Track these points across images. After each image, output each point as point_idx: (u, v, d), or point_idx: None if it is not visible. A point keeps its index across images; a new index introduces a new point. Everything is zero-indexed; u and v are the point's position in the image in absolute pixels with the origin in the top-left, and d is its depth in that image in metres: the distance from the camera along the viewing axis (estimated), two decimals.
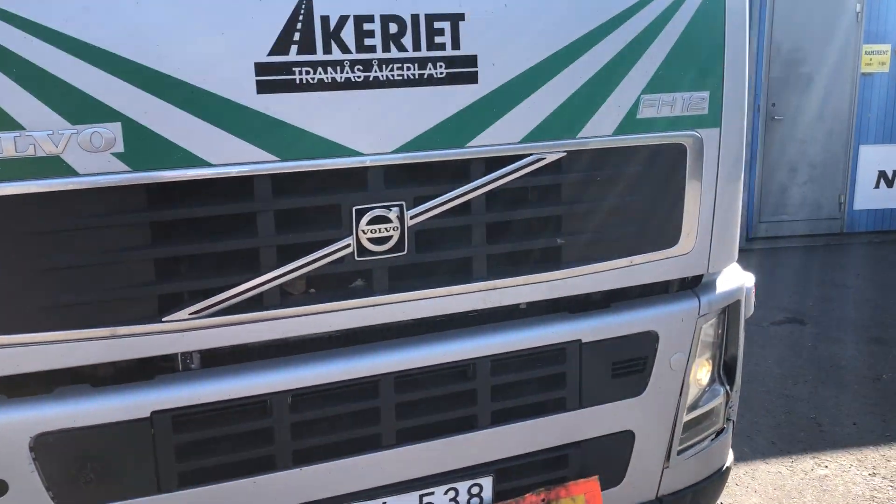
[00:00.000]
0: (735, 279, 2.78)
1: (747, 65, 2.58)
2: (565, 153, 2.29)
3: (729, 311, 2.77)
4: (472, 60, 2.14)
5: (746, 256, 8.39)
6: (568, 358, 2.44)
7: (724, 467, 2.92)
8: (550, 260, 2.37)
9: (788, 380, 5.19)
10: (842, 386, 5.09)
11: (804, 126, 9.26)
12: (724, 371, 2.84)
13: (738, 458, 4.10)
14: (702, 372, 2.74)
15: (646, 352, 2.55)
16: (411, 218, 2.14)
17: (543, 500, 2.49)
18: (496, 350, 2.36)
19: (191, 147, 1.91)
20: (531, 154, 2.24)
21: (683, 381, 2.64)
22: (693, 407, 2.73)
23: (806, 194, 9.42)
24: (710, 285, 2.69)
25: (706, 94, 2.46)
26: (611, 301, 2.55)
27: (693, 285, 2.67)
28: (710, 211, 2.54)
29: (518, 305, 2.45)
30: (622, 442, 2.60)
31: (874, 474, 3.93)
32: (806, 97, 9.19)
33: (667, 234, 2.49)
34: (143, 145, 1.84)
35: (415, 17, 2.06)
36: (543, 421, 2.47)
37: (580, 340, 2.45)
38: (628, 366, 2.55)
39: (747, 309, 2.84)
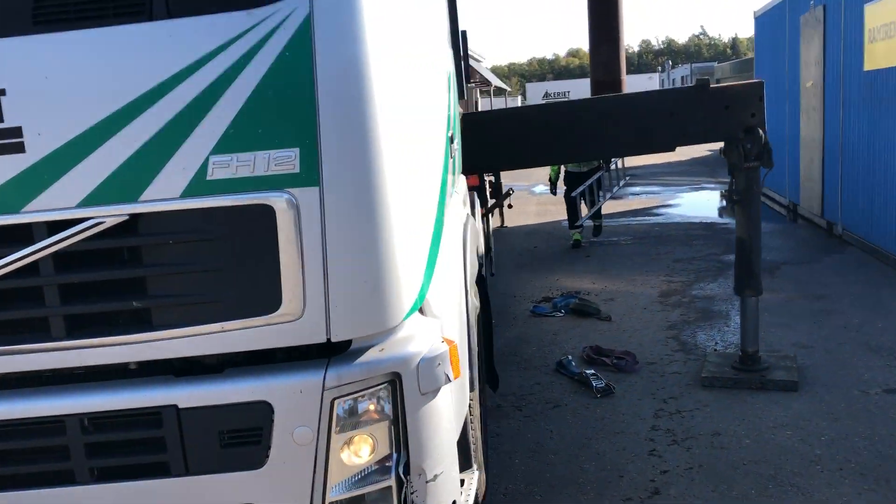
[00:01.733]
0: (404, 347, 2.48)
1: (372, 114, 2.32)
2: (128, 216, 2.29)
3: (398, 385, 2.48)
4: (17, 131, 2.25)
5: None
6: (165, 423, 2.41)
7: None
8: (133, 323, 2.37)
9: (818, 465, 4.18)
10: (885, 483, 3.99)
11: None
12: (406, 450, 2.53)
13: None
14: (358, 450, 2.48)
15: (259, 423, 2.41)
16: None
17: None
18: (84, 409, 2.41)
19: None
20: (90, 218, 2.28)
21: (317, 457, 2.43)
22: (347, 487, 2.49)
23: None
24: (355, 354, 2.44)
25: (294, 152, 2.28)
26: (226, 366, 2.46)
27: (337, 352, 2.45)
28: (320, 275, 2.33)
29: (128, 365, 2.48)
30: None
31: None
32: None
33: (264, 299, 2.34)
34: None
35: None
36: (149, 484, 2.45)
37: (176, 406, 2.40)
38: (240, 436, 2.42)
39: (428, 382, 2.50)
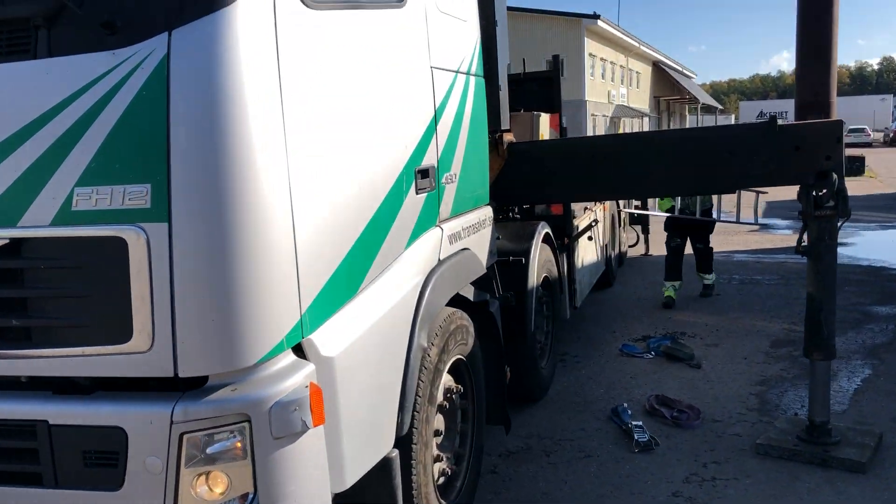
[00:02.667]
0: (258, 389, 2.46)
1: (230, 152, 2.34)
2: (9, 240, 2.46)
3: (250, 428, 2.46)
4: None
5: None
6: (38, 436, 2.54)
7: None
8: (10, 339, 2.53)
9: None
10: None
11: None
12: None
13: None
14: (214, 485, 2.49)
15: (115, 447, 2.49)
16: None
17: None
18: None
19: None
20: None
21: (166, 488, 2.47)
22: None
23: None
24: (209, 391, 2.45)
25: (146, 188, 2.34)
26: (98, 389, 2.56)
27: (195, 385, 2.48)
28: (169, 309, 2.37)
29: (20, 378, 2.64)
30: None
31: None
32: None
33: (118, 329, 2.42)
34: None
35: None
36: (25, 492, 2.60)
37: (47, 421, 2.53)
38: (101, 457, 2.52)
39: (281, 427, 2.46)
